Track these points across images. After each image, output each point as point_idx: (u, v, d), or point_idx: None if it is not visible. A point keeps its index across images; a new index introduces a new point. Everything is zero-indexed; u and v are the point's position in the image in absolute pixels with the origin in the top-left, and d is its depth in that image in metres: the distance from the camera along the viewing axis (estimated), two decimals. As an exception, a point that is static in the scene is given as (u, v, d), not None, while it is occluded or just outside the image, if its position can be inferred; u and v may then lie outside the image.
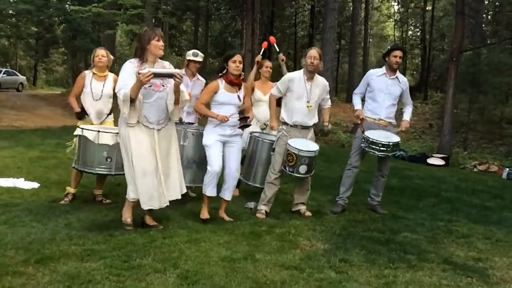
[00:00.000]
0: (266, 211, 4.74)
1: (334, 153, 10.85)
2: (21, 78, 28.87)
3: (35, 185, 5.50)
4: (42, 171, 6.41)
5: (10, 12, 19.90)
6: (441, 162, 10.37)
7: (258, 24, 17.88)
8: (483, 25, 21.81)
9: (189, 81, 5.35)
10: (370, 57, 33.65)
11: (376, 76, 5.14)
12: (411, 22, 32.94)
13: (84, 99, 4.86)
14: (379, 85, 5.09)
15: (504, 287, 3.17)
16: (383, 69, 5.16)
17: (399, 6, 33.00)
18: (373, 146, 4.83)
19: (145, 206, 3.86)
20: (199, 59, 5.36)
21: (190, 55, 5.40)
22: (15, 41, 31.75)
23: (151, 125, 3.89)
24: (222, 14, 26.48)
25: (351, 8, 27.28)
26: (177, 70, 3.81)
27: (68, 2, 19.79)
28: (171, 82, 3.87)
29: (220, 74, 4.38)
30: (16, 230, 3.78)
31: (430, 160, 10.44)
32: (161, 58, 3.97)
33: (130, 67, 3.80)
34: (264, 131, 5.49)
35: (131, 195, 3.90)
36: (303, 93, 4.68)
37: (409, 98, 5.36)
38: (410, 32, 34.09)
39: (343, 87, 30.03)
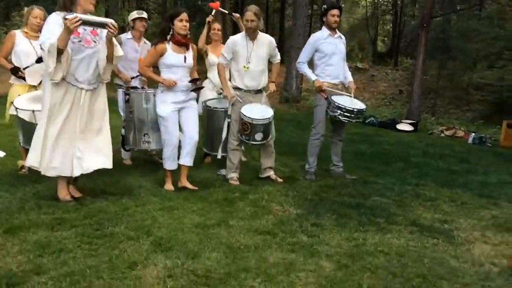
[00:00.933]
0: (237, 177, 4.75)
1: (306, 119, 10.82)
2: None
3: (1, 154, 5.35)
4: (8, 139, 6.21)
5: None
6: (410, 128, 10.59)
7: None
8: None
9: (137, 45, 5.18)
10: (342, 23, 33.52)
11: (324, 39, 5.00)
12: (383, -13, 32.74)
13: (17, 59, 4.54)
14: (330, 48, 4.99)
15: (468, 247, 3.30)
16: (325, 31, 5.03)
17: (372, -30, 32.69)
18: (347, 114, 4.82)
19: (52, 172, 3.60)
20: (145, 16, 5.17)
21: (134, 14, 5.20)
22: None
23: (80, 85, 3.57)
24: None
25: (324, -28, 26.90)
26: (109, 20, 3.47)
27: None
28: (103, 38, 3.59)
29: (165, 36, 4.14)
30: (-18, 200, 3.68)
31: (400, 126, 10.64)
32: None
33: (56, 18, 3.42)
34: (221, 96, 5.36)
35: (32, 161, 3.59)
36: (244, 54, 4.60)
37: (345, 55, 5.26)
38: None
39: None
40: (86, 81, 3.61)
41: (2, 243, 2.88)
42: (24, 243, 2.88)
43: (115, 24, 3.47)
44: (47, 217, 3.34)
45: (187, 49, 4.23)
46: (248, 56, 4.60)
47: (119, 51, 3.73)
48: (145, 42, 5.25)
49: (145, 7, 29.70)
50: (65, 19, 3.27)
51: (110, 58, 3.65)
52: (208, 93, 5.48)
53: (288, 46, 15.04)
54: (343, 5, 31.65)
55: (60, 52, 3.35)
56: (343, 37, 5.20)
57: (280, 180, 4.86)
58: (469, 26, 14.28)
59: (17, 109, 4.19)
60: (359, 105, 4.92)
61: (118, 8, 16.74)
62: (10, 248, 2.81)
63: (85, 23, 3.37)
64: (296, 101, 14.33)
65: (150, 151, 5.00)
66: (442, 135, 10.27)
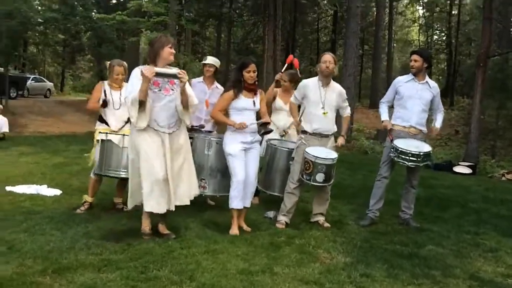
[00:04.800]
0: (286, 222, 4.66)
1: (357, 160, 10.68)
2: (49, 84, 29.54)
3: (57, 192, 5.57)
4: (65, 177, 6.49)
5: (38, 20, 20.41)
6: (468, 171, 10.07)
7: (280, 31, 17.85)
8: (511, 30, 21.26)
9: (207, 88, 5.36)
10: (394, 62, 33.24)
11: (404, 82, 4.99)
12: (436, 26, 32.38)
13: (103, 109, 4.85)
14: (408, 91, 4.93)
15: (535, 306, 3.01)
16: (410, 75, 5.01)
17: (424, 10, 32.49)
18: (403, 156, 4.65)
19: (150, 208, 3.89)
20: (210, 61, 5.38)
21: (205, 59, 5.53)
22: (43, 48, 32.52)
23: (162, 129, 3.93)
24: (245, 20, 26.53)
25: (375, 13, 27.00)
26: (177, 70, 3.86)
27: (94, 10, 20.24)
28: (179, 87, 3.92)
29: (238, 84, 4.37)
30: (36, 238, 3.81)
31: (457, 169, 10.15)
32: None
33: (137, 72, 3.84)
34: (283, 138, 5.43)
35: (132, 203, 4.07)
36: (319, 99, 4.61)
37: (441, 104, 5.16)
38: (435, 37, 33.52)
39: (366, 93, 29.69)
40: (166, 125, 3.95)
41: (50, 283, 2.94)
42: (71, 284, 2.93)
43: (183, 72, 3.84)
44: (95, 258, 3.39)
45: (255, 94, 4.41)
46: (323, 101, 4.62)
47: (194, 100, 4.05)
48: (217, 87, 5.43)
49: (200, 50, 31.02)
50: (141, 72, 3.67)
51: (185, 105, 3.96)
52: (271, 135, 5.52)
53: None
54: (395, 44, 31.58)
55: (142, 103, 3.74)
56: (433, 85, 5.01)
57: (328, 225, 4.71)
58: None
59: (107, 134, 4.48)
60: (420, 148, 4.70)
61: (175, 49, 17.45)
62: (57, 289, 2.86)
63: (159, 74, 3.75)
64: (346, 141, 14.11)
65: (204, 196, 5.05)
66: (503, 178, 9.68)
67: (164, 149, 3.92)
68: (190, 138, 4.90)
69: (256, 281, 3.13)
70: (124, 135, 4.47)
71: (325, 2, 25.66)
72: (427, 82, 4.98)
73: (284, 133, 5.49)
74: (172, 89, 3.95)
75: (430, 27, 32.06)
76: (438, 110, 5.12)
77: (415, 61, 4.92)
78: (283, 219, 4.67)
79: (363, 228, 4.76)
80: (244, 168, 4.34)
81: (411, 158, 4.64)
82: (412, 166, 4.72)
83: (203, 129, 5.25)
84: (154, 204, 3.86)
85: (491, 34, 12.23)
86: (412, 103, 4.91)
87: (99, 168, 4.57)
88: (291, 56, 6.00)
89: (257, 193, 5.48)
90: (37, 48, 33.32)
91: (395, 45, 33.67)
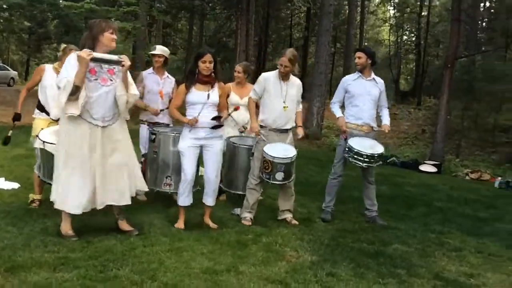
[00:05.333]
0: (251, 218, 4.59)
1: (326, 157, 10.69)
2: (13, 73, 28.45)
3: (15, 185, 5.32)
4: (23, 170, 6.21)
5: (3, 6, 19.60)
6: (433, 169, 10.28)
7: (253, 25, 17.74)
8: (479, 32, 21.84)
9: (159, 78, 5.21)
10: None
11: (352, 81, 5.03)
12: (406, 27, 32.96)
13: (42, 93, 4.56)
14: (357, 89, 4.97)
15: (497, 306, 3.04)
16: (357, 73, 5.05)
17: (395, 10, 33.01)
18: (357, 157, 4.71)
19: (68, 209, 3.59)
20: (158, 52, 5.18)
21: (153, 48, 5.29)
22: (7, 35, 31.32)
23: (94, 121, 3.60)
24: (217, 13, 26.28)
25: (347, 12, 27.21)
26: (118, 56, 3.58)
27: (61, -2, 19.61)
28: (120, 77, 3.65)
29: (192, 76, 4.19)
30: (-11, 234, 3.60)
31: (422, 167, 10.35)
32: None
33: (74, 59, 3.47)
34: (243, 134, 5.33)
35: (54, 196, 3.63)
36: (279, 93, 4.56)
37: (386, 100, 5.23)
38: (405, 37, 34.11)
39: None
40: (100, 118, 3.63)
41: (1, 283, 2.76)
42: (24, 284, 2.77)
43: (125, 56, 3.58)
44: (51, 256, 3.22)
45: (212, 86, 4.22)
46: (285, 96, 4.55)
47: (134, 90, 3.78)
48: (168, 77, 5.28)
49: (171, 42, 30.56)
50: (77, 55, 3.35)
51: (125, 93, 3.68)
52: (230, 130, 5.42)
53: (310, 83, 15.04)
54: (366, 43, 31.98)
55: (77, 89, 3.41)
56: (379, 81, 5.08)
57: (295, 222, 4.67)
58: (495, 67, 14.06)
59: (44, 142, 4.16)
60: (374, 149, 4.76)
61: (145, 42, 17.09)
62: (8, 289, 2.70)
63: (98, 60, 3.45)
64: (316, 138, 14.20)
65: (170, 193, 4.89)
66: (467, 178, 9.93)
67: (95, 143, 3.60)
68: (153, 134, 4.78)
69: (220, 280, 3.04)
70: None
71: (299, -2, 25.73)
72: (373, 78, 5.05)
73: (243, 129, 5.35)
74: (111, 80, 3.64)
75: (401, 27, 32.61)
76: (384, 106, 5.18)
77: (359, 58, 4.98)
78: (248, 215, 4.60)
79: (330, 225, 4.74)
80: (194, 166, 4.21)
81: (365, 159, 4.69)
82: (366, 166, 4.77)
83: (161, 123, 5.12)
84: (73, 204, 3.56)
85: (459, 36, 12.49)
86: (363, 100, 4.96)
87: (41, 173, 4.29)
88: None
89: (222, 191, 5.41)
90: (1, 35, 32.07)
91: (366, 44, 34.07)
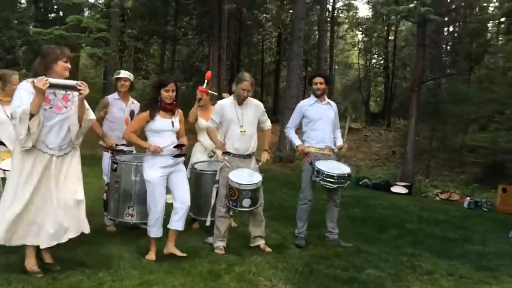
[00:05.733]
0: (224, 246, 4.53)
1: (299, 180, 10.68)
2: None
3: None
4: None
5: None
6: (404, 191, 10.45)
7: (225, 51, 17.90)
8: (443, 55, 22.63)
9: (124, 105, 5.14)
10: (336, 84, 34.29)
11: (309, 106, 5.13)
12: (374, 50, 33.84)
13: None
14: (316, 114, 5.08)
15: (469, 331, 3.06)
16: (312, 98, 5.17)
17: (363, 35, 33.92)
18: (328, 179, 4.78)
19: (16, 242, 3.43)
20: (124, 75, 5.12)
21: (118, 73, 5.20)
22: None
23: (50, 151, 3.48)
24: (190, 39, 26.43)
25: (317, 37, 27.83)
26: (78, 82, 3.45)
27: (31, 24, 19.33)
28: (75, 102, 3.53)
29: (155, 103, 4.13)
30: None
31: (394, 189, 10.51)
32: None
33: (27, 85, 3.36)
34: (212, 159, 5.28)
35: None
36: (236, 118, 4.56)
37: (338, 121, 5.35)
38: (374, 61, 35.01)
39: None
40: (57, 147, 3.51)
41: (-40, 327, 2.62)
42: (-17, 327, 2.63)
43: (83, 83, 3.45)
44: (14, 295, 3.09)
45: (173, 114, 4.20)
46: (241, 120, 4.55)
47: (90, 114, 3.65)
48: (132, 102, 5.22)
49: (143, 67, 30.46)
50: (33, 82, 3.24)
51: (80, 121, 3.56)
52: (199, 155, 5.40)
53: (282, 107, 15.19)
54: (336, 67, 32.67)
55: (31, 117, 3.28)
56: (333, 104, 5.25)
57: (269, 250, 4.63)
58: (460, 90, 14.56)
59: (5, 171, 3.96)
60: (342, 169, 4.86)
61: (117, 68, 16.99)
62: (-33, 333, 2.56)
63: (54, 86, 3.33)
64: (289, 161, 14.27)
65: (132, 224, 4.77)
66: (437, 198, 10.13)
67: (50, 174, 3.47)
68: (115, 163, 4.70)
69: (192, 315, 2.97)
70: None
71: (270, 24, 26.18)
72: (328, 102, 5.20)
73: (212, 153, 5.29)
74: (66, 107, 3.53)
75: (369, 51, 33.44)
76: (337, 128, 5.31)
77: (321, 83, 5.10)
78: (220, 244, 4.54)
79: (303, 251, 4.73)
80: (163, 197, 4.14)
81: (336, 180, 4.77)
82: (336, 187, 4.87)
83: (126, 149, 5.04)
84: (25, 234, 3.42)
85: (424, 60, 12.92)
86: (323, 124, 5.07)
87: None
88: (209, 72, 5.89)
89: (194, 219, 5.33)
90: (-33, 61, 31.30)
91: (336, 67, 34.81)
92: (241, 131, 4.55)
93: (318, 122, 5.04)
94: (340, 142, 5.22)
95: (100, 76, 22.46)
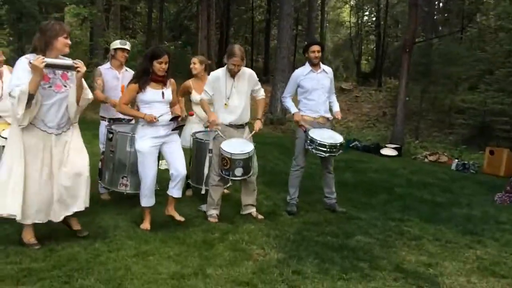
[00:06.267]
0: (217, 214, 4.62)
1: (290, 144, 10.70)
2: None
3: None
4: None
5: None
6: (394, 153, 10.58)
7: (214, 9, 17.48)
8: (435, 13, 22.34)
9: (118, 73, 5.12)
10: (327, 42, 33.85)
11: (304, 76, 5.13)
12: (366, 8, 33.28)
13: None
14: (311, 83, 5.09)
15: (453, 296, 3.20)
16: (307, 67, 5.16)
17: (355, -9, 33.24)
18: (321, 148, 4.84)
19: (29, 220, 3.50)
20: (128, 47, 5.14)
21: (117, 43, 5.14)
22: (-46, 19, 29.59)
23: (49, 130, 3.52)
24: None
25: (308, -7, 27.18)
26: (75, 60, 3.46)
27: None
28: (74, 82, 3.54)
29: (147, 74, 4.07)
30: None
31: (384, 151, 10.63)
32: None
33: (25, 63, 3.35)
34: (207, 129, 5.29)
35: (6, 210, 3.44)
36: (229, 90, 4.56)
37: (333, 87, 5.38)
38: (365, 18, 34.48)
39: (300, 73, 29.98)
40: (55, 126, 3.54)
41: (-39, 302, 2.69)
42: (-15, 301, 2.70)
43: (80, 61, 3.46)
44: (13, 268, 3.15)
45: (165, 85, 4.16)
46: (228, 93, 4.54)
47: (88, 94, 3.68)
48: (126, 70, 5.18)
49: (130, 25, 29.70)
50: (30, 63, 3.22)
51: (78, 99, 3.58)
52: (196, 126, 5.41)
53: (273, 68, 15.05)
54: (327, 25, 32.18)
55: (30, 97, 3.27)
56: (329, 71, 5.23)
57: (261, 217, 4.73)
58: (451, 50, 14.48)
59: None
60: (334, 139, 4.91)
61: (102, 29, 16.56)
62: (-31, 308, 2.63)
63: (51, 65, 3.32)
64: (280, 124, 14.30)
65: (126, 194, 4.82)
66: (426, 160, 10.28)
67: (50, 151, 3.53)
68: (111, 133, 4.69)
69: (187, 286, 3.06)
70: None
71: (259, -20, 25.48)
72: (323, 70, 5.19)
73: (208, 124, 5.34)
74: (65, 85, 3.54)
75: (361, 8, 32.89)
76: (332, 93, 5.34)
77: (318, 51, 5.10)
78: (214, 212, 4.63)
79: (295, 218, 4.83)
80: (154, 167, 4.17)
81: (328, 149, 4.83)
82: (329, 156, 4.92)
83: (122, 118, 5.03)
84: (33, 211, 3.48)
85: (417, 20, 12.75)
86: (318, 93, 5.09)
87: None
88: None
89: (189, 185, 5.40)
90: None
91: (327, 25, 34.26)
92: (225, 104, 4.56)
93: (313, 92, 5.06)
94: (336, 108, 5.25)
95: (86, 36, 21.91)
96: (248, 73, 4.68)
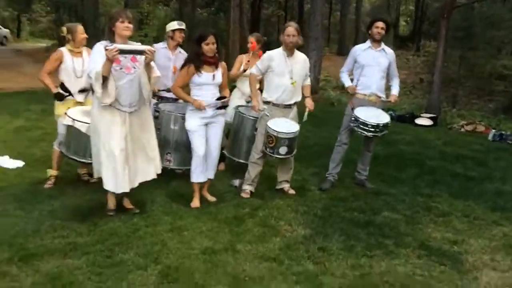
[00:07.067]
0: (250, 191, 4.80)
1: (323, 113, 10.74)
2: (4, 31, 28.05)
3: (20, 163, 5.47)
4: (26, 145, 6.36)
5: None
6: (429, 122, 10.38)
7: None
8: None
9: (171, 54, 5.27)
10: (364, 4, 32.78)
11: (362, 51, 5.12)
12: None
13: (64, 77, 4.67)
14: (366, 59, 5.07)
15: (476, 275, 3.29)
16: (367, 43, 5.14)
17: (394, -51, 31.77)
18: (363, 127, 4.85)
19: (109, 188, 3.92)
20: (184, 27, 5.29)
21: (175, 25, 5.30)
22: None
23: (122, 108, 3.87)
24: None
25: (344, -46, 26.22)
26: (146, 47, 3.76)
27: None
28: (142, 64, 3.84)
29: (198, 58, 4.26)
30: (1, 221, 3.82)
31: (418, 121, 10.44)
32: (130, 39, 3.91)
33: (100, 48, 3.71)
34: (249, 104, 5.44)
35: (96, 174, 4.01)
36: (285, 70, 4.63)
37: (396, 69, 5.31)
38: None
39: (335, 38, 29.42)
40: (128, 104, 3.89)
41: (17, 273, 3.00)
42: (37, 273, 3.00)
43: (152, 49, 3.74)
44: (60, 242, 3.46)
45: (216, 67, 4.34)
46: (291, 71, 4.62)
47: (156, 71, 3.97)
48: (180, 52, 5.33)
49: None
50: (105, 49, 3.54)
51: (149, 79, 3.91)
52: (237, 101, 5.53)
53: (306, 36, 14.81)
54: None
55: (105, 79, 3.64)
56: (389, 51, 5.14)
57: (292, 192, 4.89)
58: (494, 12, 13.81)
59: (74, 120, 4.31)
60: (379, 119, 4.88)
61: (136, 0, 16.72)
62: (23, 279, 2.93)
63: (123, 51, 3.63)
64: (313, 92, 14.18)
65: (169, 169, 5.07)
66: (462, 130, 10.05)
67: (125, 128, 3.89)
68: (157, 111, 4.92)
69: (218, 261, 3.28)
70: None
71: None
72: (383, 49, 5.12)
73: (249, 99, 5.46)
74: (134, 67, 3.85)
75: (400, -34, 31.53)
76: (394, 76, 5.29)
77: (382, 28, 5.04)
78: (248, 188, 4.81)
79: (324, 193, 4.96)
80: (204, 143, 4.38)
81: (370, 129, 4.82)
82: (371, 136, 4.89)
83: (168, 95, 5.20)
84: (113, 184, 3.88)
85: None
86: (371, 70, 5.04)
87: (65, 149, 4.44)
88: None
89: (222, 159, 5.59)
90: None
91: (365, -13, 33.08)
92: (292, 83, 4.63)
93: (367, 68, 5.03)
94: (395, 91, 5.21)
95: (121, 5, 22.15)
96: (303, 58, 4.78)
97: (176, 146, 4.80)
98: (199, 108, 4.25)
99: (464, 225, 4.24)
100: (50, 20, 33.50)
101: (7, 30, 28.91)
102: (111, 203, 4.09)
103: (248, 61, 5.48)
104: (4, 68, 16.57)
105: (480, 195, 5.19)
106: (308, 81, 4.94)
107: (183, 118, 4.54)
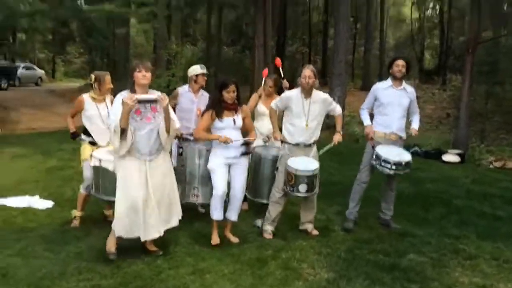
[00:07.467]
0: (272, 231, 4.81)
1: (347, 150, 10.68)
2: (40, 72, 29.37)
3: (50, 204, 5.64)
4: (57, 184, 6.57)
5: (26, 12, 20.18)
6: (457, 159, 10.20)
7: (270, 16, 17.65)
8: (504, 2, 21.12)
9: (194, 97, 5.42)
10: (388, 39, 33.05)
11: (383, 89, 5.15)
12: (429, 3, 32.14)
13: (87, 121, 4.87)
14: (387, 98, 5.09)
15: (505, 324, 3.18)
16: (389, 81, 5.16)
17: (417, -15, 32.16)
18: (384, 164, 4.83)
19: (119, 233, 3.96)
20: (205, 71, 5.45)
21: (197, 69, 5.44)
22: (31, 33, 32.06)
23: (142, 157, 3.98)
24: (235, 4, 26.24)
25: (367, -8, 26.70)
26: (158, 94, 3.92)
27: (82, 1, 19.94)
28: (162, 114, 3.99)
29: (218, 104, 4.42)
30: (29, 262, 3.93)
31: (445, 157, 10.27)
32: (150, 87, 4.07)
33: (120, 99, 3.86)
34: (266, 144, 5.52)
35: (120, 230, 4.00)
36: (301, 111, 4.70)
37: (416, 106, 5.32)
38: (429, 11, 33.26)
39: (359, 73, 29.59)
40: (147, 153, 4.00)
41: (43, 317, 3.07)
42: (62, 317, 3.06)
43: (162, 96, 3.90)
44: (85, 285, 3.53)
45: (236, 112, 4.46)
46: (307, 114, 4.69)
47: (175, 124, 4.12)
48: (202, 94, 5.48)
49: (190, 32, 30.69)
50: (122, 101, 3.72)
51: (168, 130, 4.05)
52: (255, 142, 5.61)
53: (330, 72, 14.99)
54: (388, 21, 31.34)
55: (123, 130, 3.79)
56: (409, 90, 5.17)
57: (316, 233, 4.87)
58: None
59: (101, 160, 4.50)
60: (401, 157, 4.87)
61: (165, 39, 17.32)
62: (49, 323, 3.00)
63: (140, 101, 3.81)
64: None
65: (197, 205, 5.16)
66: (491, 166, 9.85)
67: (145, 175, 3.97)
68: (180, 147, 5.04)
69: (240, 305, 3.28)
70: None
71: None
72: (404, 88, 5.13)
73: (267, 139, 5.51)
74: (154, 117, 3.99)
75: (423, 3, 31.79)
76: (415, 113, 5.30)
77: (403, 66, 5.06)
78: (269, 228, 4.82)
79: (347, 234, 4.91)
80: (224, 182, 4.44)
81: (392, 166, 4.79)
82: (393, 174, 4.86)
83: (191, 138, 5.33)
84: (123, 230, 3.94)
85: (480, 17, 12.19)
86: (392, 109, 5.06)
87: (94, 190, 4.61)
88: (278, 60, 6.09)
89: (245, 198, 5.63)
90: (26, 34, 32.85)
91: (388, 21, 33.43)
92: (306, 125, 4.70)
93: (388, 107, 5.05)
94: (415, 125, 5.22)
95: (150, 45, 22.98)
96: (321, 97, 4.80)
97: (202, 181, 4.86)
98: (226, 142, 4.33)
99: (492, 269, 4.12)
100: (83, 61, 35.01)
101: (42, 71, 30.26)
102: (112, 245, 4.06)
103: (260, 95, 5.61)
104: (38, 108, 17.31)
105: (509, 236, 5.04)
106: (338, 111, 4.94)
107: (208, 150, 4.64)
